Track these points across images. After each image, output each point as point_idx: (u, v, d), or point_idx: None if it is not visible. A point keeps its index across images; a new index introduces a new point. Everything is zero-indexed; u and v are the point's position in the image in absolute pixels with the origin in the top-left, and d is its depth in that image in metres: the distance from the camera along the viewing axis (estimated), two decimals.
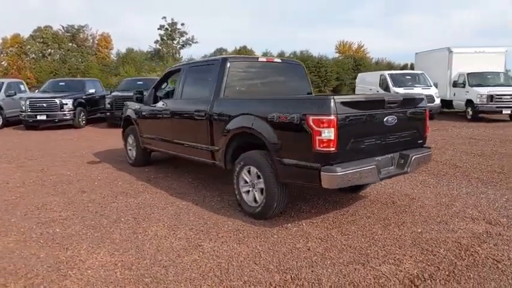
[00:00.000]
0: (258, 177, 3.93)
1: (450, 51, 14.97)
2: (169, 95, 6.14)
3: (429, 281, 2.74)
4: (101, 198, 4.87)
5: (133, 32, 70.08)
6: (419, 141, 4.12)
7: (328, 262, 3.04)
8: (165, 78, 6.04)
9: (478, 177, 5.60)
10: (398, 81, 14.60)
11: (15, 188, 5.46)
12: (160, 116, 5.55)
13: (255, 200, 4.00)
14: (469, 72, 14.22)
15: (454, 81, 14.56)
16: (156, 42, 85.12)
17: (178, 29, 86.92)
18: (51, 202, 4.74)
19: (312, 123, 3.26)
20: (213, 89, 4.57)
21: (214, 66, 4.69)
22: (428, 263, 3.00)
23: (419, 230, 3.68)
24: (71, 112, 12.74)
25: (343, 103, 3.28)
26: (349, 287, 2.68)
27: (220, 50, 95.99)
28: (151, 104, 5.91)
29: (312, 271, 2.90)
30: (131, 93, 12.53)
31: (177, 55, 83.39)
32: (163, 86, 6.13)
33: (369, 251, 3.23)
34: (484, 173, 5.85)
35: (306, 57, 70.83)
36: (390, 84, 14.37)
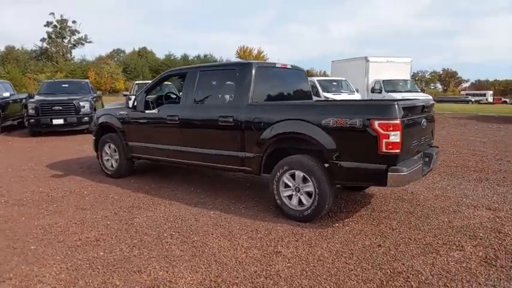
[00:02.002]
0: (304, 181, 4.02)
1: (367, 60, 16.76)
2: (162, 99, 5.82)
3: (499, 260, 3.20)
4: (113, 215, 4.40)
5: (13, 28, 62.19)
6: (432, 141, 4.68)
7: (407, 255, 3.31)
8: (160, 82, 5.68)
9: (445, 172, 6.50)
10: (326, 86, 15.78)
11: None
12: (163, 122, 5.20)
13: (300, 204, 4.08)
14: (384, 79, 16.12)
15: (372, 88, 16.34)
16: (43, 40, 75.92)
17: (69, 26, 79.25)
18: (57, 223, 4.12)
19: (378, 127, 3.50)
20: (240, 94, 4.50)
21: (236, 70, 4.63)
22: (484, 246, 3.48)
23: (447, 219, 4.19)
24: None
25: (403, 108, 3.59)
26: (445, 273, 2.99)
27: (117, 51, 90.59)
28: (143, 109, 5.50)
29: (402, 264, 3.14)
30: (62, 98, 11.43)
31: (69, 55, 76.26)
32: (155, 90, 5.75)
33: (428, 241, 3.59)
34: (445, 168, 6.80)
35: (210, 61, 71.58)
36: (320, 89, 15.46)
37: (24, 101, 14.18)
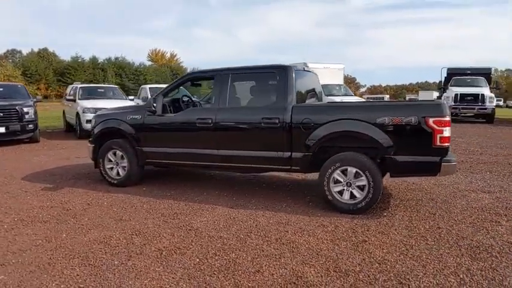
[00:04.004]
0: (356, 176, 4.35)
1: (306, 66, 17.73)
2: (180, 103, 5.66)
3: None
4: (164, 223, 4.20)
5: None
6: None
7: (466, 233, 3.84)
8: (178, 86, 5.48)
9: None
10: None
11: (16, 230, 4.01)
12: (191, 126, 5.07)
13: (352, 197, 4.39)
14: (322, 84, 17.27)
15: None
16: None
17: None
18: (112, 236, 3.82)
19: (432, 124, 4.00)
20: (283, 96, 4.65)
21: (276, 73, 4.77)
22: None
23: (464, 203, 4.87)
24: None
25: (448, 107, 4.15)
26: (508, 243, 3.56)
27: (12, 52, 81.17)
28: (162, 113, 5.29)
29: (471, 240, 3.64)
30: (1, 103, 10.03)
31: None
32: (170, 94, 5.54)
33: (470, 220, 4.18)
34: None
35: (123, 64, 68.05)
36: None
37: None
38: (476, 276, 2.94)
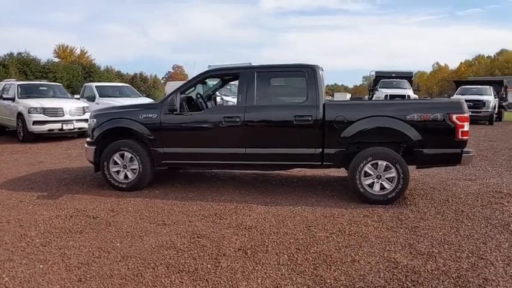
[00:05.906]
0: (386, 168, 4.70)
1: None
2: (194, 101, 5.47)
3: None
4: (212, 224, 4.11)
5: None
6: None
7: (487, 213, 4.43)
8: (197, 83, 5.27)
9: None
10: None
11: (54, 243, 3.56)
12: (217, 125, 4.97)
13: (382, 189, 4.74)
14: None
15: None
16: None
17: None
18: (174, 241, 3.63)
19: (455, 120, 4.52)
20: (313, 94, 4.83)
21: (305, 72, 4.91)
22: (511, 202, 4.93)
23: (460, 189, 5.56)
24: None
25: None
26: None
27: None
28: (180, 112, 5.07)
29: (497, 220, 4.23)
30: None
31: None
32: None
33: (480, 203, 4.81)
34: None
35: (27, 60, 60.97)
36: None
37: None
38: None
